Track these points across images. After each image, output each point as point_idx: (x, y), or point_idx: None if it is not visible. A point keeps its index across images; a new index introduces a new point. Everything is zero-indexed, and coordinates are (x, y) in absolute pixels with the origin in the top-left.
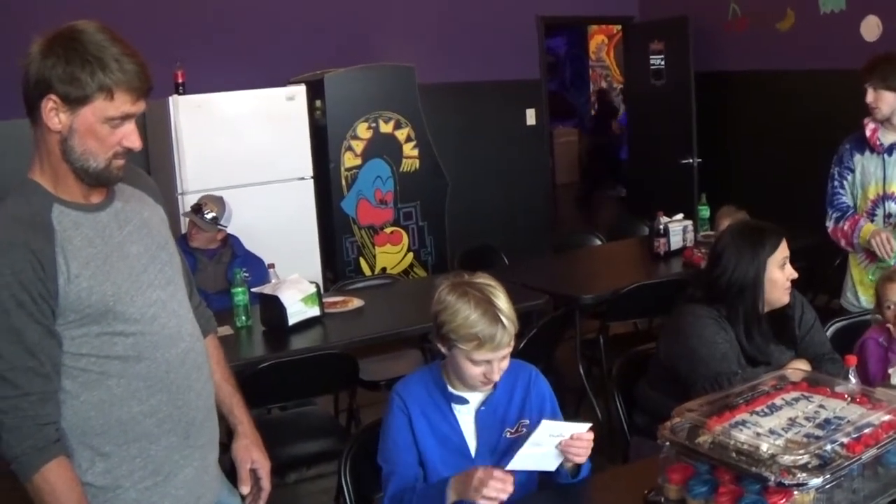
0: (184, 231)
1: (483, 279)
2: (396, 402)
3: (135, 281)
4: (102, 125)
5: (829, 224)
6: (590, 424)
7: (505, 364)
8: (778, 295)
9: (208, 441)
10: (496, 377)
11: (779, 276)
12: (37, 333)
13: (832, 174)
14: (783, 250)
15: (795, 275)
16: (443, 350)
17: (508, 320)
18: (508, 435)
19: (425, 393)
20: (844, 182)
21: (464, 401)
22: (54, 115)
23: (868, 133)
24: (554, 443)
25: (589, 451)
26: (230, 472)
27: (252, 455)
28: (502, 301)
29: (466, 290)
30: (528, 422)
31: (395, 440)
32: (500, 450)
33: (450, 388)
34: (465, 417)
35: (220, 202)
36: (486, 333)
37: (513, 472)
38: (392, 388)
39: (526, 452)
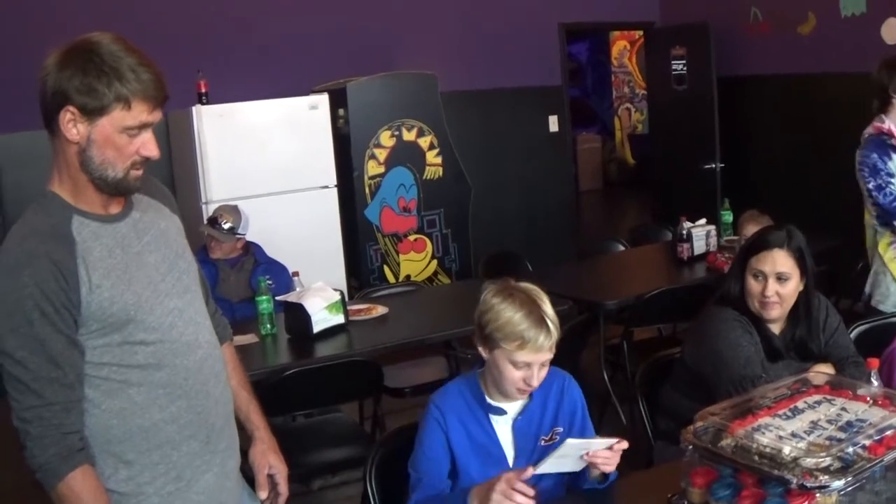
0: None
1: (529, 285)
2: (434, 414)
3: (154, 290)
4: (120, 135)
5: None
6: (616, 440)
7: (544, 373)
8: (752, 303)
9: (228, 446)
10: (535, 383)
11: (751, 284)
12: (60, 343)
13: (876, 185)
14: (763, 262)
15: (770, 292)
16: (484, 355)
17: (553, 324)
18: (542, 443)
19: (463, 403)
20: (892, 185)
21: (501, 411)
22: (72, 126)
23: None
24: (580, 454)
25: (617, 461)
26: (250, 478)
27: (269, 460)
28: (547, 305)
29: (512, 293)
30: (561, 429)
31: (426, 451)
32: (535, 458)
33: (488, 399)
34: (503, 427)
35: (234, 211)
36: (530, 334)
37: (533, 482)
38: (430, 398)
39: (551, 462)
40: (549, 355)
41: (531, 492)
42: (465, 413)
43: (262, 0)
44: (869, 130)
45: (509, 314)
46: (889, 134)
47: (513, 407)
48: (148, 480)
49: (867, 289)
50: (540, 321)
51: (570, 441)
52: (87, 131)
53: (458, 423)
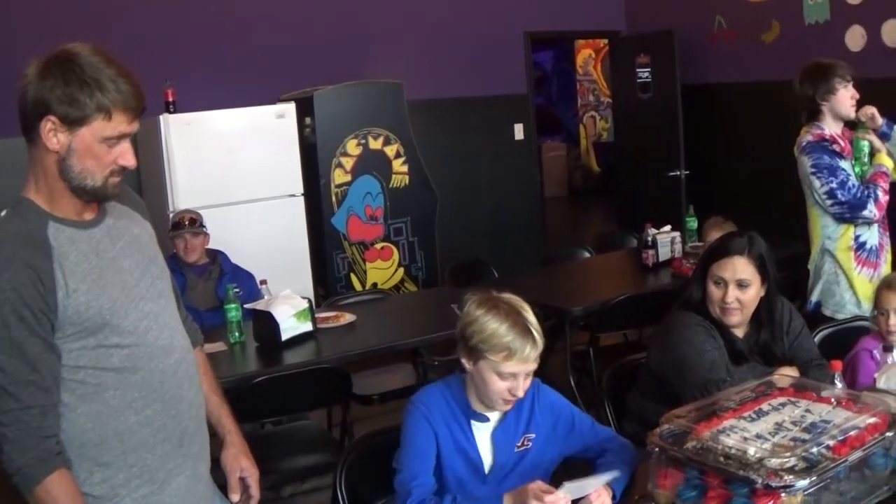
0: (174, 250)
1: (510, 295)
2: (422, 411)
3: (128, 294)
4: (100, 145)
5: (874, 210)
6: (615, 474)
7: (528, 382)
8: (713, 308)
9: (200, 450)
10: (521, 393)
11: (712, 290)
12: (37, 347)
13: (840, 182)
14: (723, 268)
15: (730, 299)
16: (467, 365)
17: (538, 333)
18: (516, 449)
19: (445, 406)
20: (852, 179)
21: (485, 418)
22: (53, 135)
23: (841, 141)
24: (580, 494)
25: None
26: (221, 483)
27: (241, 463)
28: (531, 315)
29: (497, 304)
30: (533, 435)
31: (418, 448)
32: (509, 465)
33: (472, 406)
34: (483, 435)
35: (191, 211)
36: (517, 345)
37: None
38: (412, 398)
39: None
40: (534, 365)
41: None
42: (448, 416)
43: (229, 9)
44: (807, 139)
45: (494, 325)
46: (831, 140)
47: (495, 415)
48: (122, 483)
49: (814, 297)
50: (525, 331)
51: (566, 484)
52: (67, 141)
53: (444, 424)
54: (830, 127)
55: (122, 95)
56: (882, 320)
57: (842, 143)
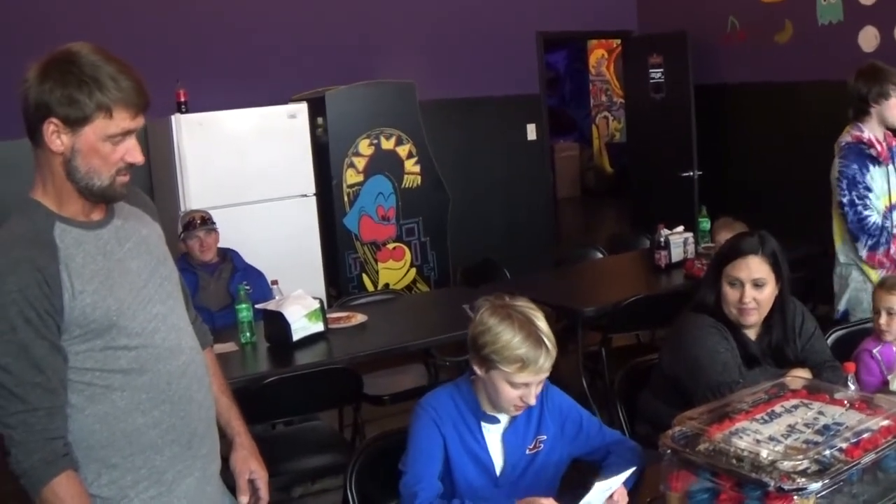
0: (184, 251)
1: (524, 302)
2: (430, 414)
3: (136, 296)
4: (104, 143)
5: (864, 252)
6: (633, 469)
7: (540, 388)
8: (730, 310)
9: (209, 451)
10: (532, 401)
11: (728, 291)
12: (43, 349)
13: (850, 200)
14: (738, 269)
15: (748, 299)
16: (479, 372)
17: (551, 343)
18: (528, 452)
19: (454, 409)
20: (867, 201)
21: (495, 420)
22: (56, 137)
23: (878, 145)
24: (605, 497)
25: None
26: (231, 485)
27: (250, 465)
28: (543, 323)
29: (510, 313)
30: (545, 437)
31: (425, 451)
32: (520, 467)
33: (482, 408)
34: (493, 437)
35: (199, 210)
36: (531, 356)
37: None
38: (421, 401)
39: None
40: (546, 374)
41: None
42: (457, 419)
43: (241, 9)
44: (846, 139)
45: (508, 336)
46: (868, 143)
47: (505, 417)
48: (130, 484)
49: (841, 306)
50: (538, 342)
51: (598, 483)
52: (71, 142)
53: (452, 427)
54: (873, 130)
55: (122, 92)
56: (876, 319)
57: (879, 147)
